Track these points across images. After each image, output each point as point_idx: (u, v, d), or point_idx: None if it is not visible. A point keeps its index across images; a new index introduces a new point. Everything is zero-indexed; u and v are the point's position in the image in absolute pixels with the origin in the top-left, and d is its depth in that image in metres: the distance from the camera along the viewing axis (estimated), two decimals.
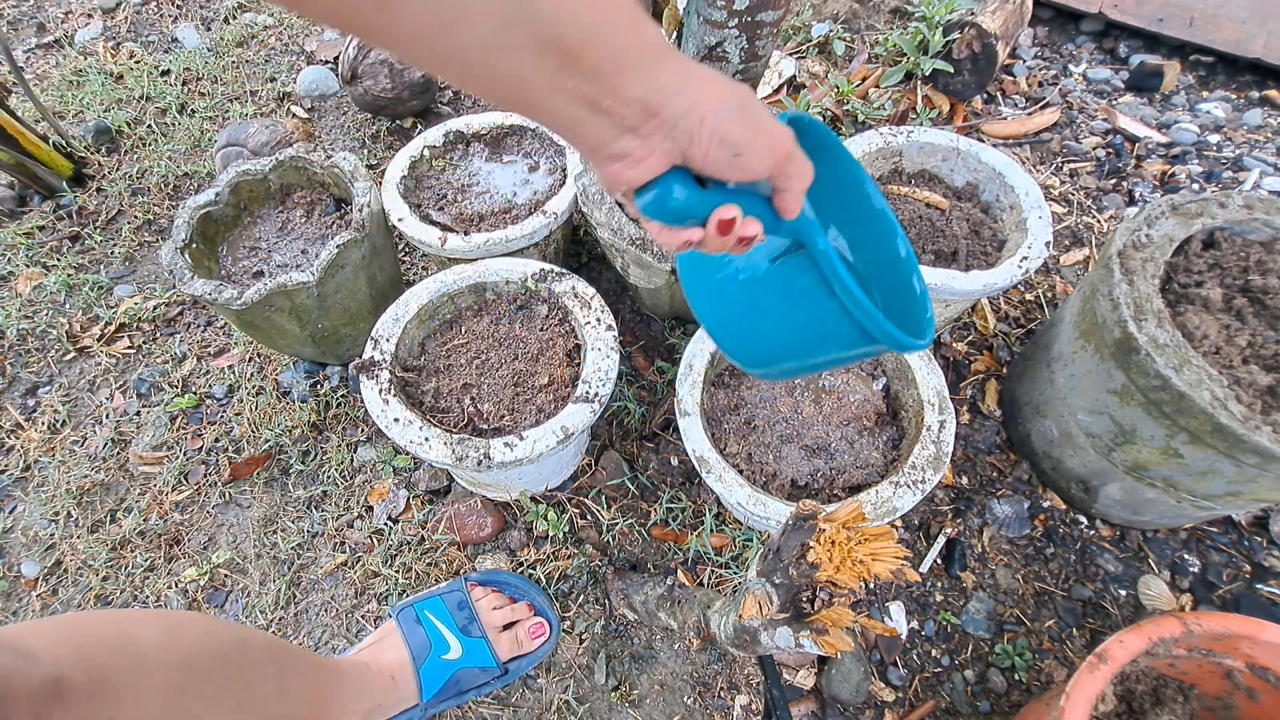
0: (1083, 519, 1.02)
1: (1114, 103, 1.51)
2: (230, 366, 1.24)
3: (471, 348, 0.95)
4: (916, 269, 0.58)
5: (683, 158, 0.39)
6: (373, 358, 0.89)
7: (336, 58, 1.70)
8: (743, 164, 0.39)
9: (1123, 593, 0.97)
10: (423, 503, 1.08)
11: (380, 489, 1.09)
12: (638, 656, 0.95)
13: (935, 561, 1.00)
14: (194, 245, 1.03)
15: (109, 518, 1.11)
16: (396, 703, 0.84)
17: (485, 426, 0.89)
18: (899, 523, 1.02)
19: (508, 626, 0.93)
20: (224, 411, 1.19)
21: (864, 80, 1.51)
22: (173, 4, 1.92)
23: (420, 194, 1.14)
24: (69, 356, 1.28)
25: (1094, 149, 1.42)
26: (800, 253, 0.49)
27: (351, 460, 1.13)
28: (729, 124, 0.37)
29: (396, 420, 0.84)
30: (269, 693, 0.60)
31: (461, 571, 1.01)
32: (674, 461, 1.08)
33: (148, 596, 1.04)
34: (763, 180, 0.42)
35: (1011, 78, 1.56)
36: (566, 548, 1.02)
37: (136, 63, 1.75)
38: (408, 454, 1.07)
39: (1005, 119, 1.48)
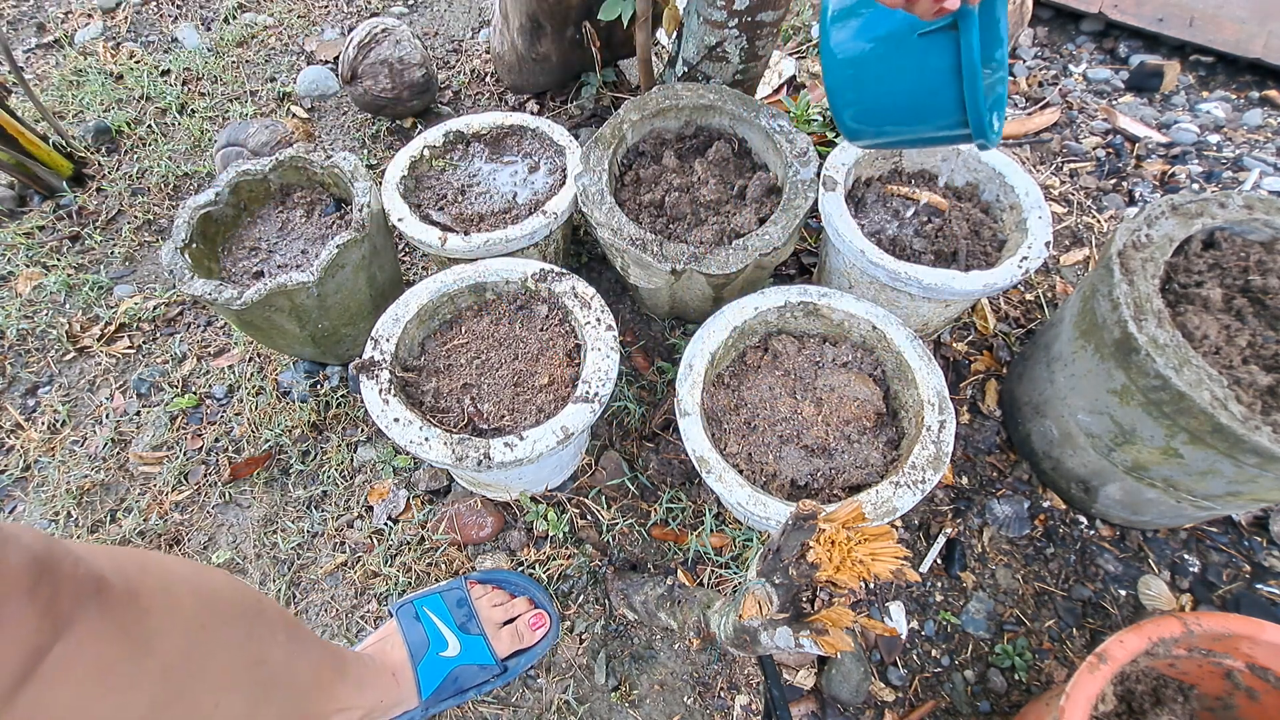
0: (1083, 519, 1.02)
1: (1114, 103, 1.51)
2: (230, 366, 1.24)
3: (471, 348, 0.95)
4: (1005, 79, 0.72)
5: None
6: (373, 358, 0.89)
7: (336, 58, 1.70)
8: None
9: (1123, 593, 0.97)
10: (423, 503, 1.08)
11: (380, 489, 1.09)
12: (638, 656, 0.95)
13: (935, 561, 1.00)
14: (194, 245, 1.03)
15: (109, 518, 1.11)
16: (397, 702, 0.84)
17: (485, 426, 0.89)
18: (899, 523, 1.02)
19: (507, 623, 0.93)
20: (224, 411, 1.19)
21: None
22: (173, 4, 1.92)
23: (420, 194, 1.14)
24: (69, 356, 1.28)
25: (1094, 149, 1.42)
26: (947, 35, 0.59)
27: (351, 460, 1.13)
28: None
29: (396, 420, 0.84)
30: (278, 658, 0.61)
31: (461, 571, 1.01)
32: (674, 461, 1.08)
33: None
34: None
35: (1011, 78, 1.56)
36: (566, 548, 1.02)
37: (136, 63, 1.75)
38: (408, 454, 1.07)
39: (1005, 119, 1.47)
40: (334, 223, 1.11)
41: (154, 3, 1.92)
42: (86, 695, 0.42)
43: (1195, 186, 1.34)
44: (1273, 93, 1.50)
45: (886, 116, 0.68)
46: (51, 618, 0.40)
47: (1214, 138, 1.42)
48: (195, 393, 1.21)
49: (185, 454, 1.15)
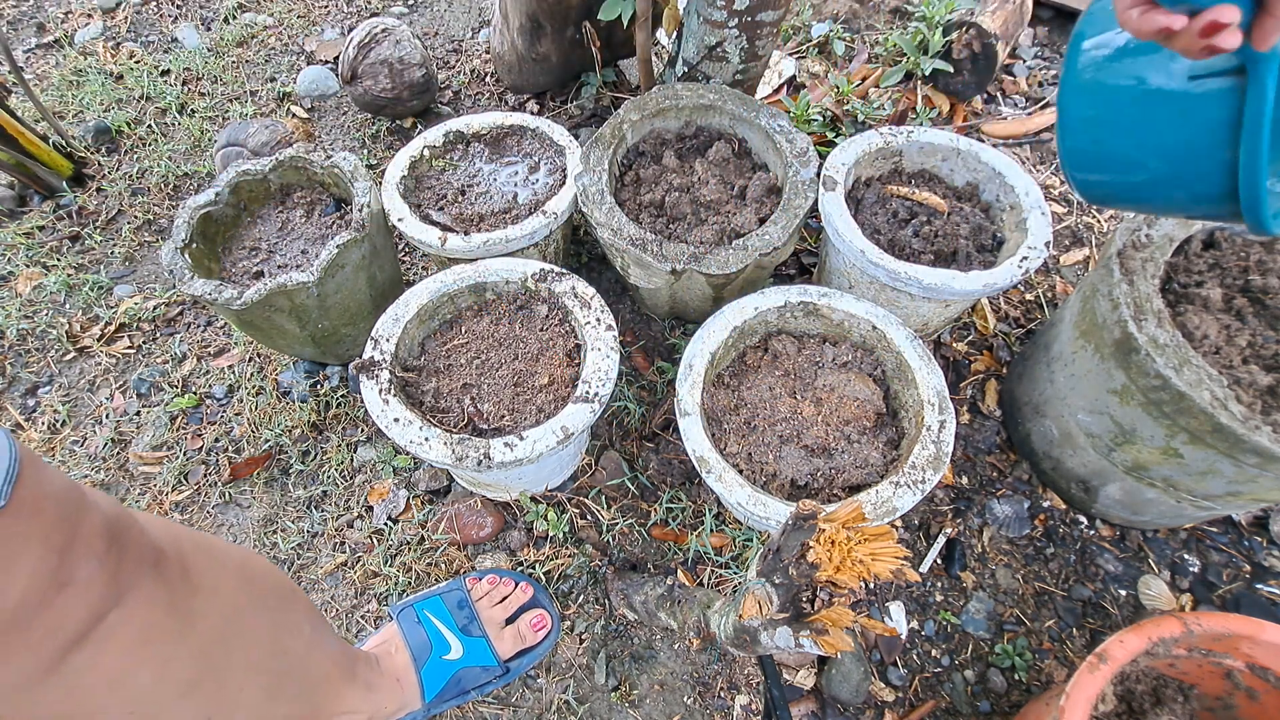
0: (1083, 519, 1.02)
1: None
2: (230, 366, 1.24)
3: (471, 348, 0.95)
4: None
5: None
6: (373, 358, 0.89)
7: (336, 58, 1.70)
8: None
9: (1123, 593, 0.97)
10: (423, 503, 1.08)
11: (380, 489, 1.09)
12: (638, 656, 0.95)
13: (935, 561, 1.00)
14: (194, 245, 1.03)
15: None
16: (400, 706, 0.84)
17: (485, 426, 0.89)
18: (899, 523, 1.02)
19: (508, 623, 0.93)
20: (224, 411, 1.19)
21: (864, 80, 1.51)
22: (173, 4, 1.92)
23: (420, 194, 1.14)
24: (69, 356, 1.28)
25: None
26: (1228, 82, 0.46)
27: (351, 460, 1.13)
28: None
29: (396, 420, 0.84)
30: (298, 649, 0.62)
31: (461, 571, 1.01)
32: (674, 461, 1.08)
33: None
34: None
35: (1011, 77, 1.56)
36: (566, 548, 1.02)
37: (136, 63, 1.75)
38: (408, 454, 1.07)
39: (1005, 119, 1.48)
40: (334, 223, 1.11)
41: (154, 3, 1.92)
42: (130, 663, 0.43)
43: None
44: None
45: (1131, 171, 0.53)
46: (116, 584, 0.41)
47: None
48: (195, 393, 1.21)
49: (185, 454, 1.15)
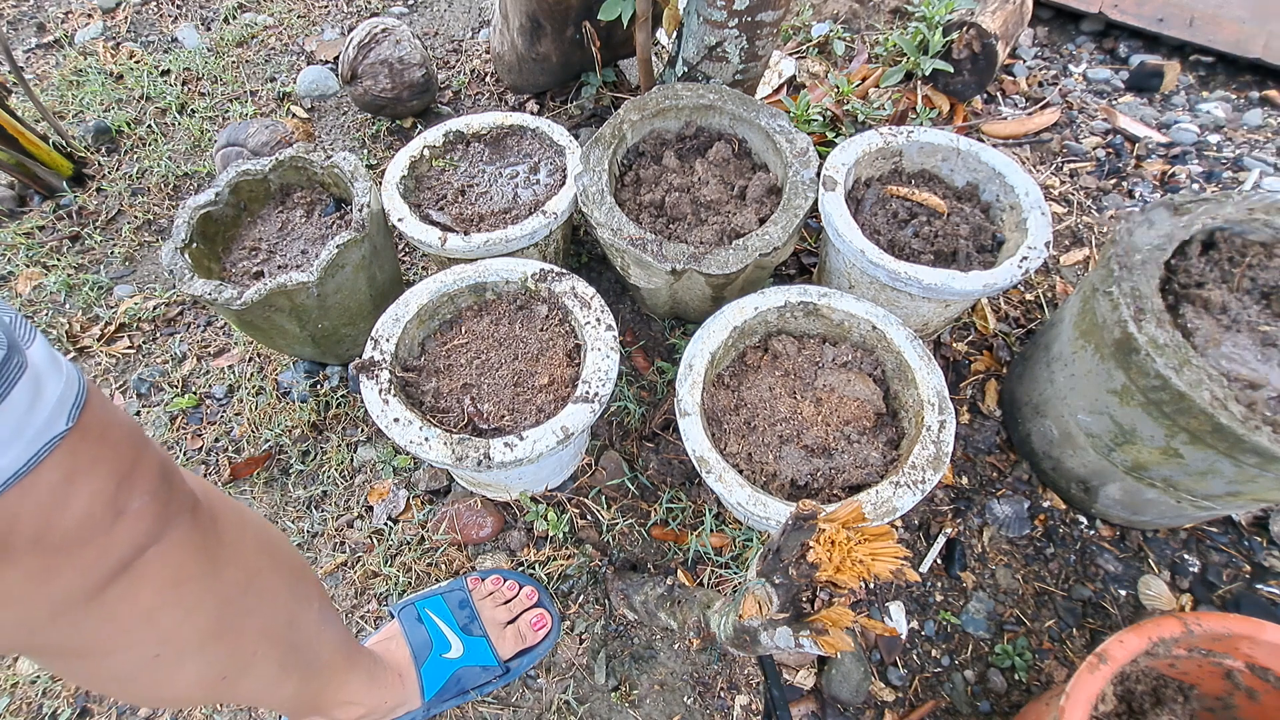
0: (1083, 519, 1.02)
1: (1114, 103, 1.51)
2: (230, 366, 1.24)
3: (471, 348, 0.95)
4: None
5: None
6: (373, 358, 0.89)
7: (336, 58, 1.70)
8: None
9: (1123, 593, 0.97)
10: (423, 503, 1.08)
11: (380, 489, 1.09)
12: (638, 656, 0.95)
13: (935, 561, 1.00)
14: (194, 245, 1.03)
15: None
16: (400, 702, 0.84)
17: (485, 426, 0.89)
18: (899, 523, 1.02)
19: (509, 623, 0.93)
20: (224, 411, 1.19)
21: (864, 80, 1.51)
22: (173, 4, 1.92)
23: (420, 194, 1.14)
24: (69, 356, 1.28)
25: (1094, 149, 1.42)
26: None
27: (351, 460, 1.13)
28: None
29: (396, 420, 0.84)
30: (309, 623, 0.63)
31: (461, 571, 1.01)
32: (674, 461, 1.08)
33: None
34: None
35: (1011, 78, 1.56)
36: (566, 548, 1.02)
37: (136, 63, 1.75)
38: (408, 454, 1.07)
39: (1005, 119, 1.48)
40: (334, 223, 1.11)
41: (154, 3, 1.92)
42: (162, 601, 0.44)
43: (1195, 186, 1.34)
44: (1273, 93, 1.50)
45: None
46: (162, 520, 0.42)
47: (1214, 138, 1.42)
48: (195, 393, 1.21)
49: (185, 454, 1.15)
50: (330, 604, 0.69)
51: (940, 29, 1.40)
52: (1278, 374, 0.77)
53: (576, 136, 1.31)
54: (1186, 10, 1.54)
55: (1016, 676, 0.92)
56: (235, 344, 1.27)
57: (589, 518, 1.05)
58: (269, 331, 1.04)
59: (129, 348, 1.29)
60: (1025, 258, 0.92)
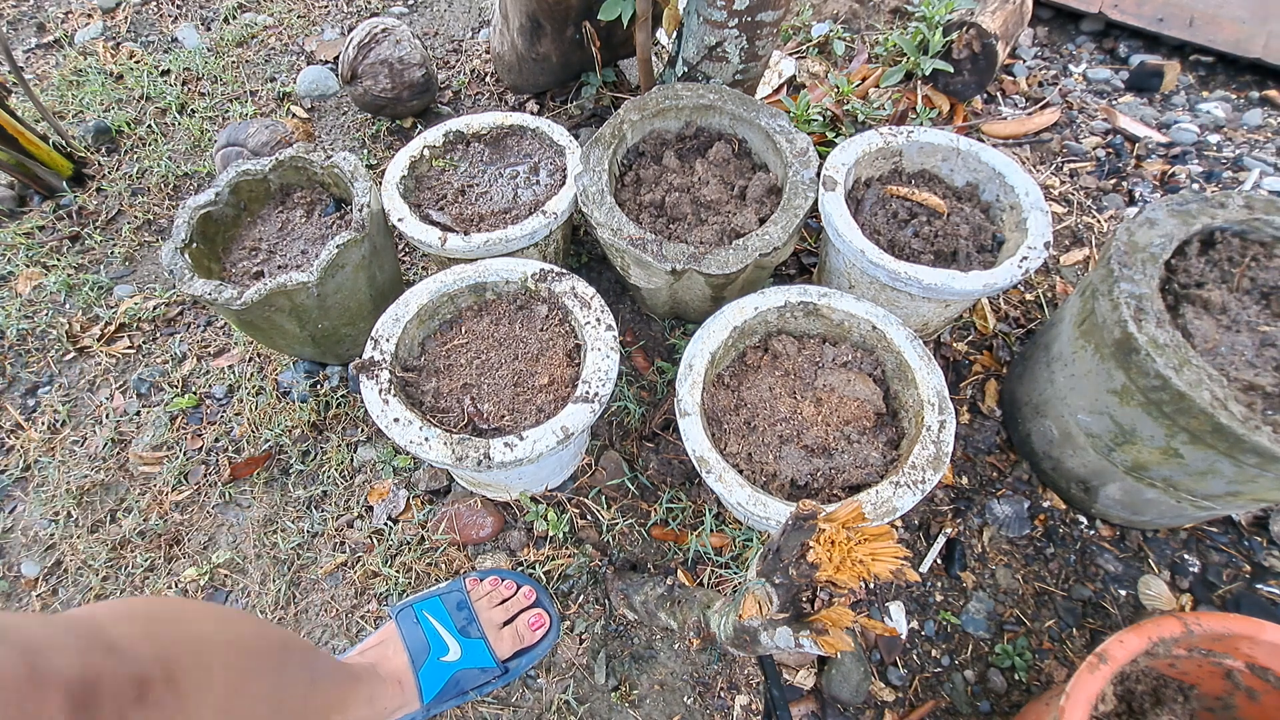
0: (1083, 519, 1.02)
1: (1114, 103, 1.51)
2: (230, 366, 1.24)
3: (471, 348, 0.95)
4: None
5: None
6: (373, 358, 0.89)
7: (336, 58, 1.70)
8: None
9: (1123, 593, 0.97)
10: (423, 503, 1.08)
11: (380, 489, 1.09)
12: (638, 656, 0.95)
13: (935, 561, 1.00)
14: (194, 245, 1.03)
15: (109, 518, 1.11)
16: (399, 707, 0.84)
17: (485, 426, 0.89)
18: (899, 523, 1.02)
19: (507, 623, 0.93)
20: (224, 411, 1.19)
21: (864, 80, 1.51)
22: (173, 4, 1.92)
23: (420, 194, 1.14)
24: (69, 356, 1.28)
25: (1094, 149, 1.42)
26: None
27: (351, 460, 1.13)
28: None
29: (396, 420, 0.84)
30: (299, 693, 0.62)
31: (461, 571, 1.01)
32: (674, 461, 1.08)
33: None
34: None
35: (1011, 78, 1.56)
36: (566, 548, 1.02)
37: (136, 63, 1.75)
38: (408, 454, 1.07)
39: (1005, 119, 1.48)
40: (334, 223, 1.11)
41: (154, 3, 1.92)
42: None
43: (1195, 186, 1.34)
44: (1273, 93, 1.50)
45: None
46: None
47: (1214, 138, 1.42)
48: (195, 393, 1.21)
49: (185, 454, 1.15)
50: (317, 656, 0.68)
51: (940, 29, 1.40)
52: (1277, 374, 0.77)
53: (576, 136, 1.31)
54: (1186, 10, 1.54)
55: (1016, 676, 0.92)
56: (235, 344, 1.27)
57: (589, 518, 1.05)
58: (269, 331, 1.04)
59: (129, 348, 1.29)
60: (1025, 258, 0.92)
